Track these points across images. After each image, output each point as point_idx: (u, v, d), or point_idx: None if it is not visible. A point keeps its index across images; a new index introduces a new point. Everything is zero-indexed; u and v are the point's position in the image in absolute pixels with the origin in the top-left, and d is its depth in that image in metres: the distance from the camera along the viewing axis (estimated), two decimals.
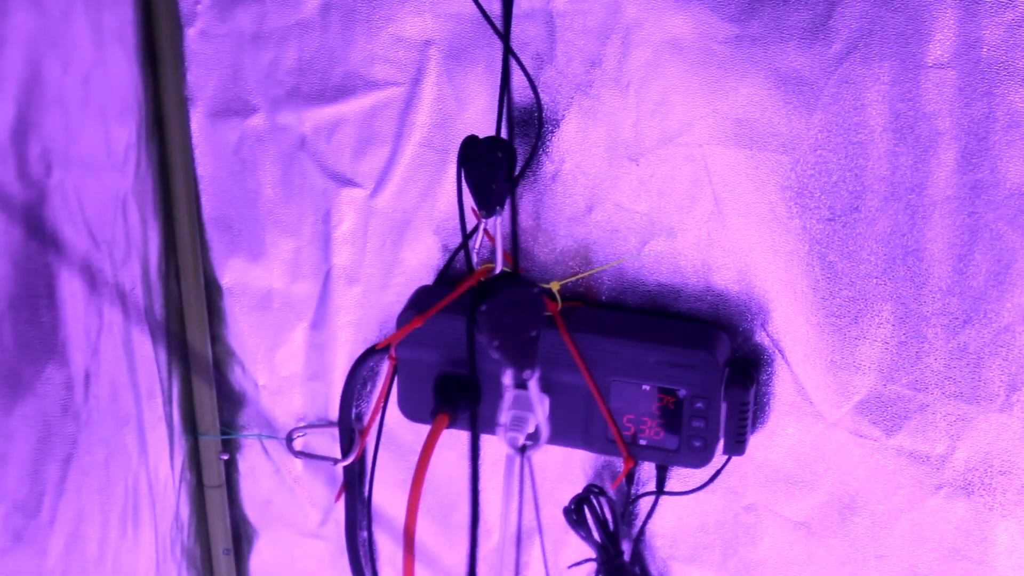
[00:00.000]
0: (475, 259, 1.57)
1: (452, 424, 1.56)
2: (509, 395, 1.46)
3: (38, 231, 1.48)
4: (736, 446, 1.54)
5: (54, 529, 1.53)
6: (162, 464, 1.77)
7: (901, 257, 1.45)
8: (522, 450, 1.49)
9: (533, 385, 1.43)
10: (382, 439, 1.70)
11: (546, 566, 1.67)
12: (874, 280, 1.47)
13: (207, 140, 1.70)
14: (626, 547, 1.65)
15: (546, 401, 1.50)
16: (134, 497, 1.70)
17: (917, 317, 1.46)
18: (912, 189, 1.42)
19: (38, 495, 1.49)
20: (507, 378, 1.44)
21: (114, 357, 1.64)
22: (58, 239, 1.51)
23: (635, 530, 1.65)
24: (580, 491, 1.61)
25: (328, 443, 1.77)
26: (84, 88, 1.55)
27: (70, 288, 1.54)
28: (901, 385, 1.49)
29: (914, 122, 1.39)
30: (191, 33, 1.65)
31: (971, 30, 1.34)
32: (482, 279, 1.54)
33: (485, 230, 1.55)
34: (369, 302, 1.71)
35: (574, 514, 1.60)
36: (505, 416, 1.49)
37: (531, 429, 1.51)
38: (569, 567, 1.68)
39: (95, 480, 1.60)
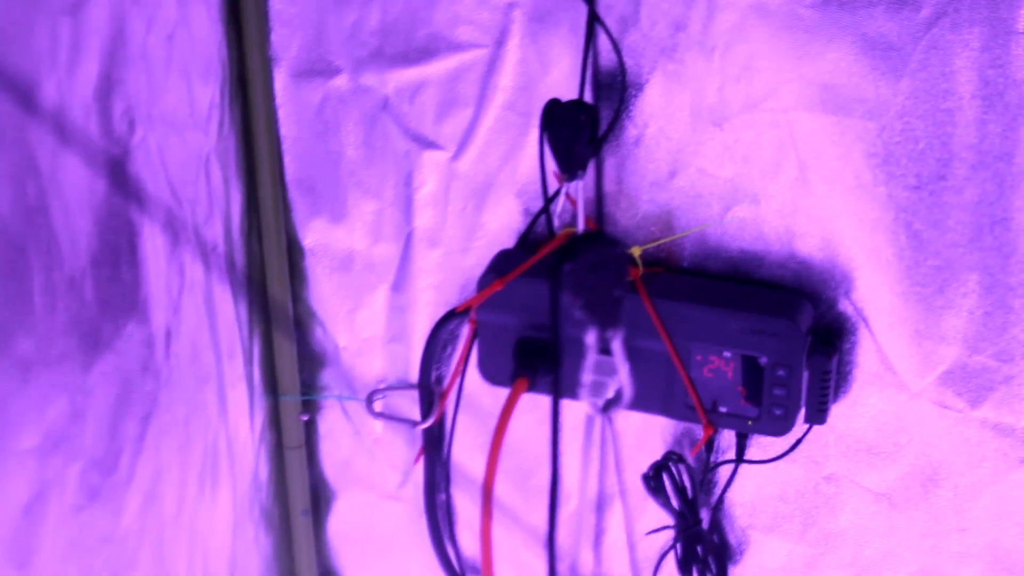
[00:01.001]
0: (556, 223, 1.58)
1: (531, 388, 1.57)
2: (592, 355, 1.48)
3: (121, 188, 1.51)
4: (817, 415, 1.54)
5: (131, 487, 1.55)
6: (242, 424, 1.79)
7: (988, 226, 1.44)
8: (604, 410, 1.51)
9: (617, 345, 1.44)
10: (461, 402, 1.72)
11: (628, 530, 1.69)
12: (960, 249, 1.46)
13: (290, 101, 1.72)
14: (704, 515, 1.65)
15: (626, 366, 1.52)
16: (213, 456, 1.73)
17: (1003, 287, 1.45)
18: (1000, 157, 1.41)
19: (116, 452, 1.52)
20: (591, 338, 1.46)
21: (195, 315, 1.67)
22: (141, 196, 1.54)
23: (714, 498, 1.66)
24: (659, 458, 1.62)
25: (408, 405, 1.79)
26: (168, 47, 1.57)
27: (152, 245, 1.56)
28: (986, 356, 1.48)
29: (1004, 89, 1.38)
30: None
31: None
32: (567, 239, 1.55)
33: (567, 194, 1.56)
34: (450, 265, 1.73)
35: (652, 481, 1.61)
36: (587, 377, 1.51)
37: (611, 394, 1.53)
38: (647, 534, 1.69)
39: (174, 438, 1.63)
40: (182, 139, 1.62)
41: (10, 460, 1.35)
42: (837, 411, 1.57)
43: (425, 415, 1.72)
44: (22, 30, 1.33)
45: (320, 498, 1.95)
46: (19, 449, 1.37)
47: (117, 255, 1.50)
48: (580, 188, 1.53)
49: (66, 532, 1.45)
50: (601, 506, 1.70)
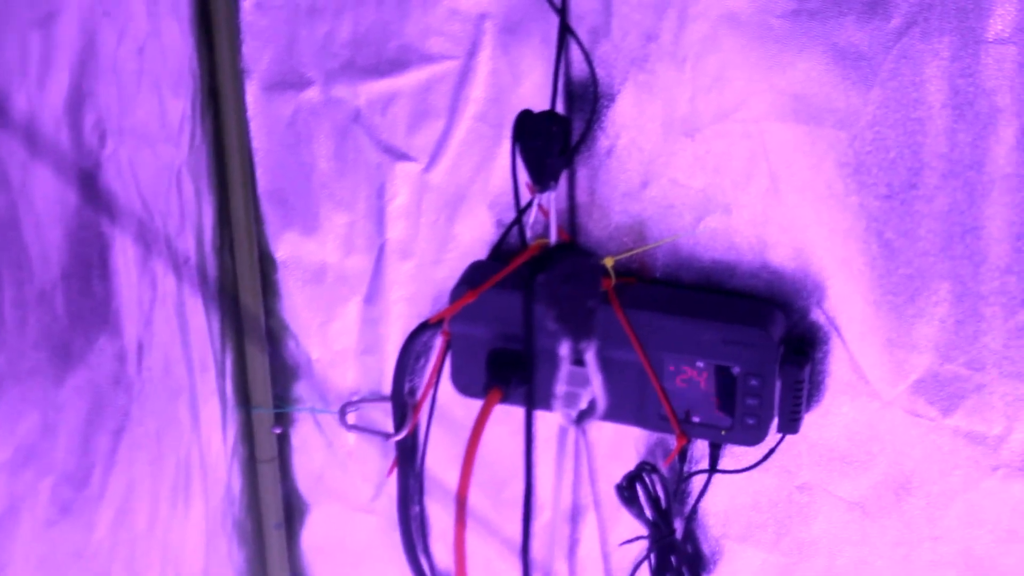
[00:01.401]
0: (529, 234, 1.58)
1: (505, 399, 1.57)
2: (565, 367, 1.48)
3: (92, 200, 1.51)
4: (790, 424, 1.54)
5: (103, 502, 1.55)
6: (214, 437, 1.79)
7: (959, 235, 1.45)
8: (578, 421, 1.51)
9: (590, 356, 1.45)
10: (435, 414, 1.72)
11: (602, 540, 1.69)
12: (932, 258, 1.46)
13: (262, 113, 1.72)
14: (678, 525, 1.66)
15: (599, 377, 1.52)
16: (185, 470, 1.73)
17: (975, 296, 1.46)
18: (971, 166, 1.42)
19: (88, 467, 1.52)
20: (564, 349, 1.46)
21: (167, 329, 1.67)
22: (112, 209, 1.54)
23: (687, 508, 1.66)
24: (632, 469, 1.62)
25: (381, 418, 1.79)
26: (139, 59, 1.57)
27: (123, 258, 1.56)
28: (958, 364, 1.49)
29: (974, 98, 1.39)
30: (246, 5, 1.66)
31: None
32: (540, 250, 1.56)
33: (539, 205, 1.56)
34: (423, 277, 1.73)
35: (626, 491, 1.61)
36: (561, 388, 1.51)
37: (585, 405, 1.53)
38: (620, 544, 1.69)
39: (146, 453, 1.63)
40: (153, 152, 1.61)
41: None
42: (810, 420, 1.57)
43: (398, 427, 1.71)
44: None
45: (293, 511, 1.95)
46: None
47: (88, 268, 1.50)
48: (552, 199, 1.54)
49: (38, 547, 1.44)
50: (575, 517, 1.70)
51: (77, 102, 1.47)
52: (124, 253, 1.57)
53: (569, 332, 1.44)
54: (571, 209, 1.56)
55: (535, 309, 1.43)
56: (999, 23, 1.36)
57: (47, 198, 1.43)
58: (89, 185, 1.50)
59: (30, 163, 1.40)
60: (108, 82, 1.51)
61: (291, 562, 1.96)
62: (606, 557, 1.71)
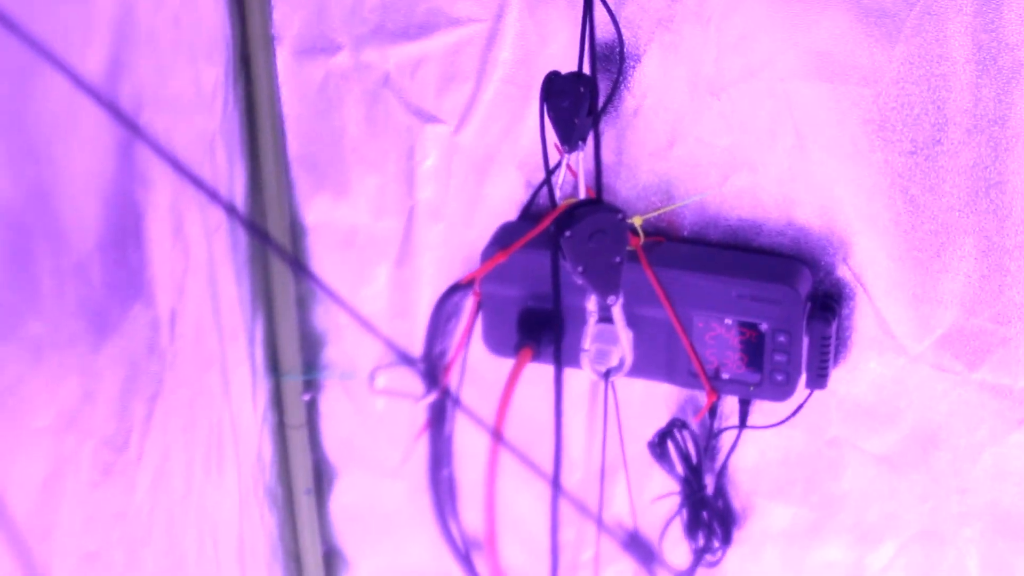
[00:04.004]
0: (558, 194, 1.58)
1: (536, 357, 1.59)
2: (593, 321, 1.50)
3: (128, 171, 1.53)
4: (818, 380, 1.56)
5: (141, 465, 1.58)
6: (245, 405, 1.81)
7: (984, 190, 1.47)
8: (606, 375, 1.53)
9: (617, 309, 1.47)
10: (465, 376, 1.72)
11: (632, 497, 1.72)
12: (956, 213, 1.49)
13: (293, 79, 1.73)
14: (709, 481, 1.68)
15: (630, 335, 1.54)
16: (218, 437, 1.75)
17: (999, 251, 1.49)
18: (995, 121, 1.44)
19: (126, 432, 1.55)
20: (591, 304, 1.49)
21: (199, 297, 1.69)
22: (147, 179, 1.56)
23: (718, 464, 1.68)
24: (663, 425, 1.65)
25: (410, 382, 1.75)
26: (174, 29, 1.59)
27: (157, 228, 1.58)
28: (983, 319, 1.52)
29: (997, 53, 1.41)
30: None
31: None
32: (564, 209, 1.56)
33: (568, 165, 1.56)
34: (453, 239, 1.74)
35: (658, 448, 1.64)
36: (589, 343, 1.53)
37: (614, 362, 1.56)
38: (653, 500, 1.72)
39: (180, 419, 1.65)
40: (188, 120, 1.63)
41: (26, 438, 1.38)
42: (837, 376, 1.59)
43: (428, 389, 1.72)
44: (26, 15, 1.33)
45: (323, 477, 1.95)
46: (34, 427, 1.40)
47: (123, 238, 1.53)
48: (581, 159, 1.55)
49: (82, 508, 1.48)
50: (606, 474, 1.71)
51: (115, 73, 1.48)
52: (158, 222, 1.59)
53: (596, 287, 1.48)
54: (598, 169, 1.56)
55: (563, 265, 1.45)
56: None
57: (83, 168, 1.45)
58: (125, 155, 1.52)
59: (65, 133, 1.42)
60: (145, 52, 1.53)
61: (321, 527, 1.96)
62: (636, 514, 1.74)
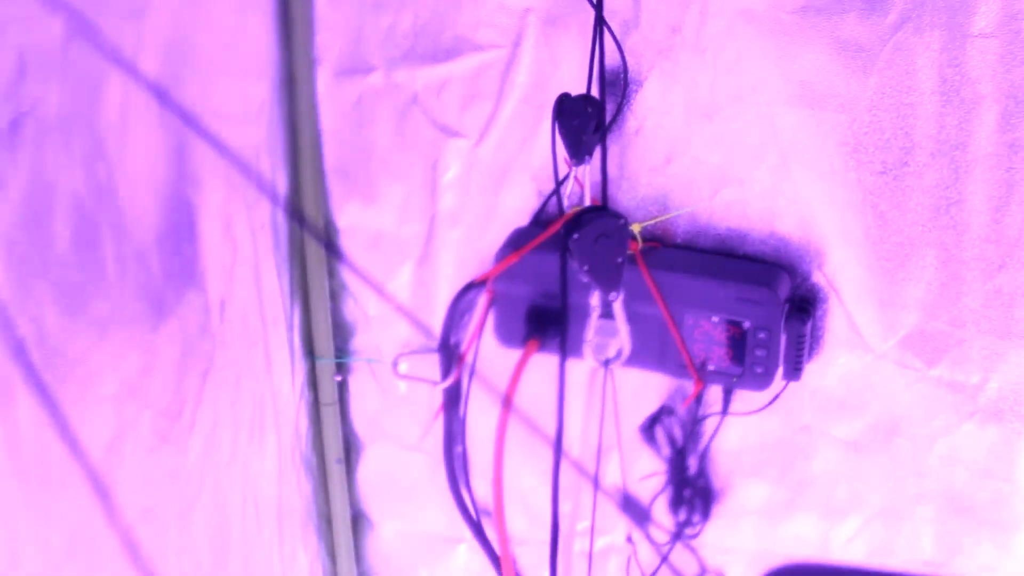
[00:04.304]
0: (566, 203, 1.56)
1: (541, 349, 1.57)
2: (596, 314, 1.48)
3: (181, 174, 1.51)
4: (794, 373, 1.55)
5: (194, 433, 1.56)
6: (284, 383, 1.80)
7: (945, 208, 1.46)
8: (606, 363, 1.52)
9: (618, 305, 1.45)
10: (477, 364, 1.68)
11: (624, 474, 1.70)
12: (920, 228, 1.47)
13: (331, 97, 1.71)
14: (692, 463, 1.66)
15: (627, 326, 1.52)
16: (260, 410, 1.73)
17: (958, 262, 1.47)
18: (956, 147, 1.43)
19: (180, 403, 1.53)
20: (595, 299, 1.47)
21: (245, 287, 1.67)
22: (199, 181, 1.54)
23: (702, 446, 1.66)
24: (653, 411, 1.64)
25: (429, 368, 1.73)
26: (226, 50, 1.57)
27: (209, 225, 1.57)
28: (942, 322, 1.50)
29: (959, 86, 1.40)
30: (320, 1, 1.66)
31: (1013, 2, 1.35)
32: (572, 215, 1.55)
33: (576, 177, 1.55)
34: (470, 242, 1.73)
35: (648, 431, 1.63)
36: (591, 334, 1.51)
37: (612, 353, 1.54)
38: (641, 479, 1.70)
39: (228, 393, 1.64)
40: (236, 132, 1.61)
41: (93, 404, 1.37)
42: (811, 370, 1.58)
43: (444, 375, 1.68)
44: (92, 30, 1.34)
45: (351, 449, 1.94)
46: (100, 395, 1.38)
47: (179, 232, 1.51)
48: (587, 172, 1.53)
49: (141, 469, 1.46)
50: (601, 454, 1.69)
51: (168, 85, 1.47)
52: (209, 220, 1.57)
53: (599, 284, 1.45)
54: (603, 181, 1.55)
55: (570, 264, 1.43)
56: (983, 19, 1.37)
57: (141, 169, 1.44)
58: (179, 160, 1.50)
59: (124, 138, 1.40)
60: (198, 70, 1.52)
61: (350, 493, 1.95)
62: (627, 489, 1.72)
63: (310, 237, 1.79)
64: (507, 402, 1.52)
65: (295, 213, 1.77)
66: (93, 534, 1.34)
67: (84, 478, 1.34)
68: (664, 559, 1.73)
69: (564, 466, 1.58)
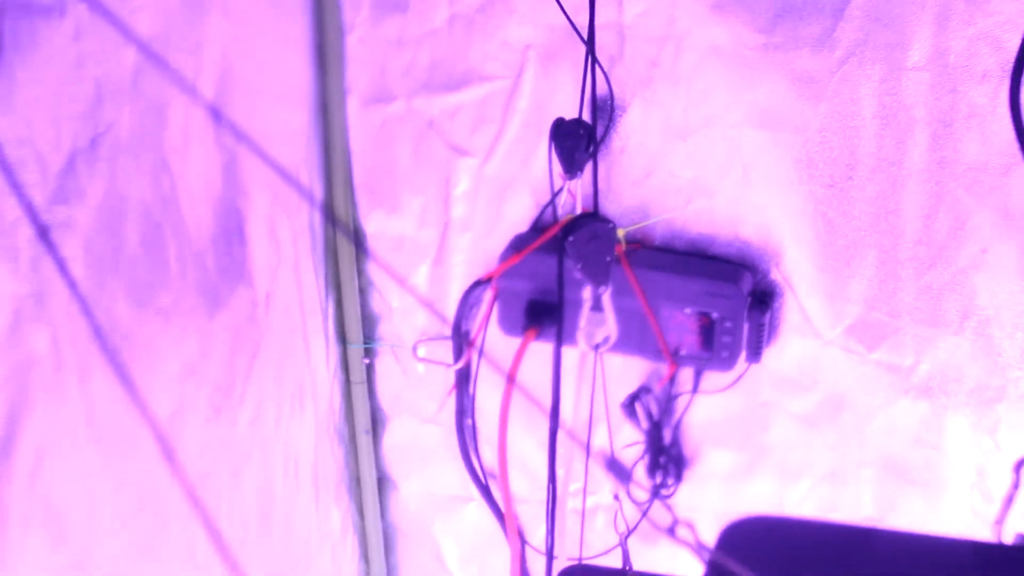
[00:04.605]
0: (560, 212, 1.58)
1: (539, 337, 1.57)
2: (588, 306, 1.49)
3: (233, 186, 1.52)
4: (754, 356, 1.55)
5: (243, 407, 1.57)
6: (320, 365, 1.80)
7: (883, 215, 1.46)
8: (596, 348, 1.52)
9: (607, 297, 1.46)
10: (484, 349, 1.68)
11: (611, 443, 1.69)
12: (862, 232, 1.48)
13: (359, 121, 1.71)
14: (667, 433, 1.66)
15: (614, 316, 1.52)
16: (300, 388, 1.74)
17: (894, 261, 1.48)
18: (893, 163, 1.43)
19: (231, 381, 1.54)
20: (585, 293, 1.47)
21: (287, 283, 1.68)
22: (247, 192, 1.54)
23: (674, 420, 1.66)
24: (633, 390, 1.63)
25: (443, 352, 1.73)
26: (268, 80, 1.58)
27: (256, 230, 1.58)
28: (881, 313, 1.51)
29: (896, 112, 1.41)
30: (350, 40, 1.67)
31: (941, 41, 1.36)
32: (569, 222, 1.55)
33: (569, 189, 1.55)
34: (478, 245, 1.73)
35: (628, 407, 1.63)
36: (583, 323, 1.51)
37: (600, 339, 1.53)
38: (624, 447, 1.70)
39: (272, 373, 1.64)
40: (279, 151, 1.62)
41: (158, 382, 1.38)
42: (769, 354, 1.58)
43: (456, 359, 1.69)
44: (158, 64, 1.35)
45: (377, 421, 1.94)
46: (164, 374, 1.39)
47: (230, 236, 1.52)
48: (579, 185, 1.53)
49: (199, 438, 1.47)
50: (590, 426, 1.69)
51: (219, 109, 1.48)
52: (256, 225, 1.58)
53: (591, 279, 1.46)
54: (595, 192, 1.55)
55: (565, 262, 1.44)
56: (916, 55, 1.38)
57: (198, 181, 1.44)
58: (231, 173, 1.51)
59: (185, 154, 1.41)
60: (245, 98, 1.52)
61: (376, 459, 1.96)
62: (613, 455, 1.72)
63: (342, 240, 1.79)
64: (510, 381, 1.52)
65: (329, 219, 1.78)
66: (159, 492, 1.35)
67: (151, 444, 1.34)
68: (644, 515, 1.72)
69: (559, 436, 1.58)
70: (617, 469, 1.72)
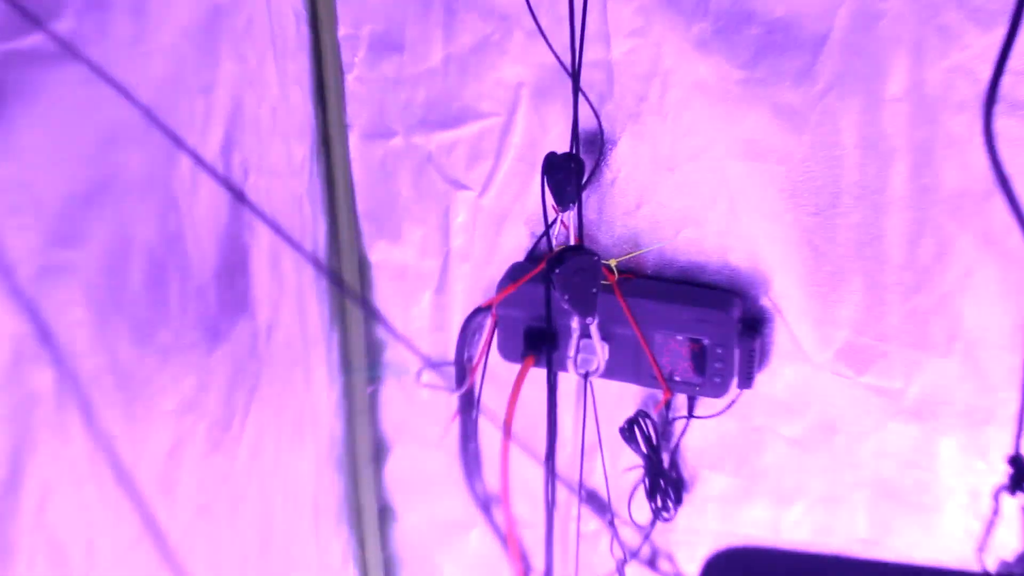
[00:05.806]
0: (555, 242, 1.58)
1: (537, 363, 1.59)
2: (576, 335, 1.52)
3: (237, 219, 1.54)
4: (746, 382, 1.56)
5: (242, 441, 1.59)
6: (322, 394, 1.81)
7: (868, 242, 1.47)
8: (586, 376, 1.54)
9: (594, 328, 1.49)
10: (486, 375, 1.71)
11: (607, 468, 1.70)
12: (848, 259, 1.49)
13: (361, 156, 1.74)
14: (665, 457, 1.67)
15: (606, 347, 1.55)
16: (299, 420, 1.75)
17: (880, 287, 1.48)
18: (876, 191, 1.44)
19: (230, 415, 1.56)
20: (574, 323, 1.50)
21: (290, 314, 1.69)
22: (251, 225, 1.57)
23: (672, 445, 1.67)
24: (631, 415, 1.64)
25: (446, 378, 1.77)
26: (273, 117, 1.61)
27: (259, 262, 1.60)
28: (868, 337, 1.51)
29: (877, 141, 1.42)
30: (350, 78, 1.70)
31: (918, 73, 1.38)
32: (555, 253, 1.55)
33: (562, 221, 1.57)
34: (477, 274, 1.74)
35: (627, 432, 1.64)
36: (574, 352, 1.54)
37: (592, 367, 1.56)
38: (624, 470, 1.71)
39: (272, 406, 1.66)
40: (283, 183, 1.64)
41: (156, 418, 1.41)
42: (761, 379, 1.59)
43: (459, 384, 1.72)
44: (170, 104, 1.39)
45: (380, 448, 1.95)
46: (162, 410, 1.42)
47: (233, 268, 1.54)
48: (572, 217, 1.55)
49: (197, 472, 1.49)
50: (587, 451, 1.70)
51: (228, 148, 1.51)
52: (259, 258, 1.60)
53: (578, 310, 1.49)
54: (579, 224, 1.56)
55: (553, 294, 1.46)
56: (894, 86, 1.39)
57: (205, 217, 1.47)
58: (235, 207, 1.53)
59: (193, 192, 1.44)
60: (250, 132, 1.55)
61: (378, 487, 1.96)
62: (610, 479, 1.73)
63: (347, 268, 1.80)
64: (510, 407, 1.54)
65: (334, 249, 1.79)
66: (157, 526, 1.37)
67: (150, 479, 1.37)
68: (645, 538, 1.74)
69: (559, 459, 1.59)
70: (604, 499, 1.73)
